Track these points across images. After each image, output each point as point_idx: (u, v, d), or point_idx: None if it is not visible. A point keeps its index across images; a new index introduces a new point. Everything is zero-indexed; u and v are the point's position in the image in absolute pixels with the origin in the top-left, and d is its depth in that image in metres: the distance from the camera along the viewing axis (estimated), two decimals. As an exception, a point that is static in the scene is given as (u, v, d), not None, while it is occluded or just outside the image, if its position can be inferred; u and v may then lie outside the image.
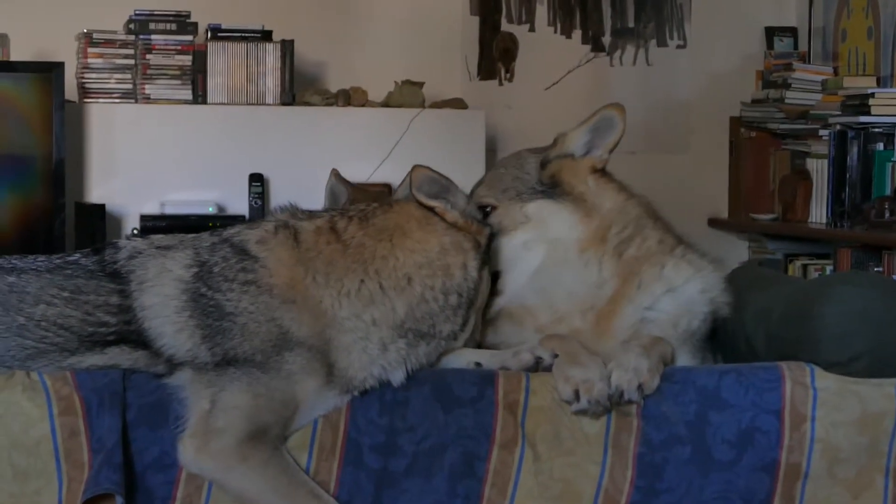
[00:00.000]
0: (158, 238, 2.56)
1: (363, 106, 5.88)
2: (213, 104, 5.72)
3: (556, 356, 2.50)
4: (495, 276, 2.69)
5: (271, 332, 2.39)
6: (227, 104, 5.72)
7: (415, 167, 2.57)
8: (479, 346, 2.65)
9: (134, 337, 2.43)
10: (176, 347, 2.41)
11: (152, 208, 5.55)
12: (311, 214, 2.60)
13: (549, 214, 2.72)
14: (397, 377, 2.45)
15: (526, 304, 2.72)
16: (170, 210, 5.51)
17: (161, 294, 2.44)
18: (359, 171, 5.36)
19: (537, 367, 2.51)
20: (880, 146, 5.64)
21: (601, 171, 2.76)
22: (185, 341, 2.41)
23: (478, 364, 2.54)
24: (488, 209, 2.73)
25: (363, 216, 2.55)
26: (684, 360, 2.69)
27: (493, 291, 2.68)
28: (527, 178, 2.76)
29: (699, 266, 2.76)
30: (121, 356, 2.43)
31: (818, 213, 5.91)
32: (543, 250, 2.71)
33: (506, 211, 2.73)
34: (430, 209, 2.56)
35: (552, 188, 2.73)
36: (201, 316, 2.41)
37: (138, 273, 2.47)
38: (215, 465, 2.34)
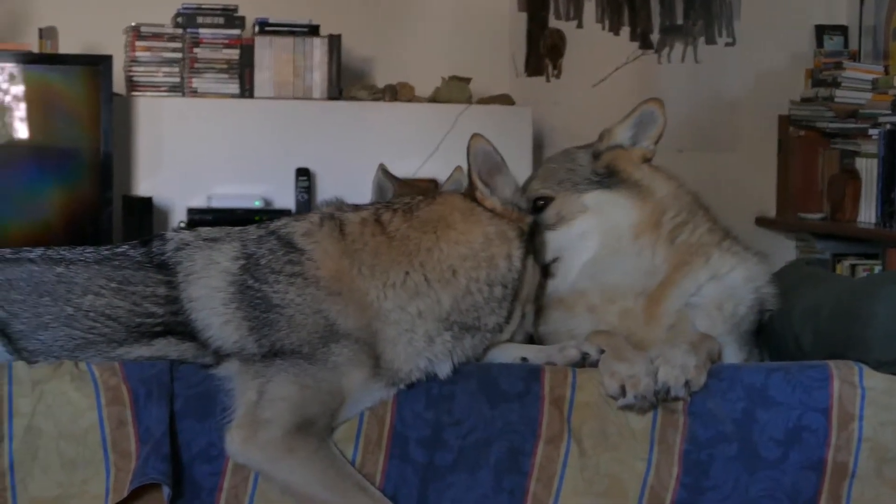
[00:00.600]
0: (205, 230, 2.56)
1: (410, 101, 5.89)
2: (260, 98, 5.74)
3: (602, 352, 2.50)
4: (545, 268, 2.70)
5: (318, 324, 2.39)
6: (274, 98, 5.74)
7: (474, 136, 2.56)
8: (532, 337, 2.66)
9: (181, 328, 2.44)
10: (223, 339, 2.42)
11: (199, 202, 5.57)
12: (357, 207, 2.60)
13: (607, 203, 2.76)
14: (444, 370, 2.45)
15: (577, 287, 2.74)
16: (216, 203, 5.53)
17: (208, 286, 2.45)
18: (405, 167, 5.36)
19: (583, 362, 2.51)
20: (930, 146, 5.60)
21: (649, 162, 2.83)
22: (231, 333, 2.41)
23: (524, 359, 2.54)
24: (543, 201, 2.76)
25: (408, 208, 2.56)
26: (731, 351, 2.69)
27: (543, 284, 2.69)
28: (580, 169, 2.80)
29: (744, 257, 2.79)
30: (168, 347, 2.44)
31: (867, 213, 5.87)
32: (599, 239, 2.74)
33: (563, 201, 2.77)
34: (472, 194, 2.55)
35: (607, 177, 2.78)
36: (248, 308, 2.42)
37: (185, 265, 2.48)
38: (262, 456, 2.34)
